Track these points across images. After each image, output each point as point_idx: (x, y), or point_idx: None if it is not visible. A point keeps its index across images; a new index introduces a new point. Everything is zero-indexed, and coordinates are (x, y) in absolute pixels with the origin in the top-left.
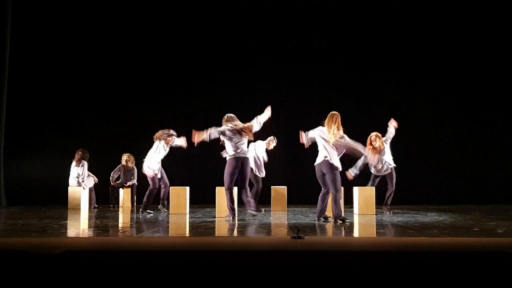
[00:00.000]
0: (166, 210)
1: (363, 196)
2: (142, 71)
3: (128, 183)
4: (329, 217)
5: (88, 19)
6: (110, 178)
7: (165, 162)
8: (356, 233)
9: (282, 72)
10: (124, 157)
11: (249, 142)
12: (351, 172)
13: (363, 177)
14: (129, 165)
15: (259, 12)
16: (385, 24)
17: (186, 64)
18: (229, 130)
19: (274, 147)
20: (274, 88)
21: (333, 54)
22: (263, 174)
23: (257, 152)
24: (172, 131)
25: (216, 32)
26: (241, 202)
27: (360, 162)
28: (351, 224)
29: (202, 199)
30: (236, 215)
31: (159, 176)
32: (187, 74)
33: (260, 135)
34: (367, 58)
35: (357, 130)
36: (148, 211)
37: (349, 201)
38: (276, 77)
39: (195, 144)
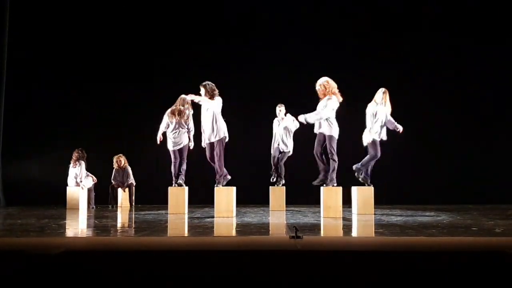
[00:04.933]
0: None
1: (361, 196)
2: (140, 71)
3: (126, 184)
4: None
5: (86, 18)
6: (113, 183)
7: (162, 162)
8: (355, 233)
9: (280, 66)
10: (114, 159)
11: None
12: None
13: None
14: (122, 165)
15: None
16: (386, 22)
17: (185, 64)
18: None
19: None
20: (272, 90)
21: (331, 46)
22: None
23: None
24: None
25: (212, 28)
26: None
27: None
28: (350, 223)
29: (201, 199)
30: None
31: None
32: (186, 74)
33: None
34: (367, 56)
35: (355, 130)
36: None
37: (347, 201)
38: (273, 72)
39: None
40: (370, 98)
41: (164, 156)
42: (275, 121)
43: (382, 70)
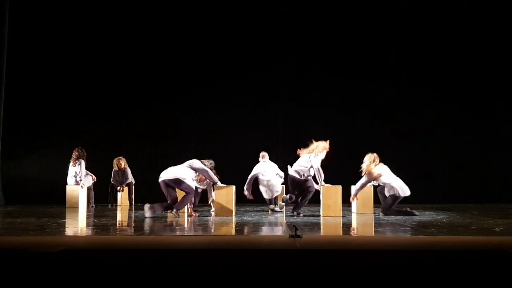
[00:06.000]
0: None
1: (361, 195)
2: (140, 70)
3: (125, 183)
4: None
5: (86, 18)
6: (112, 182)
7: (162, 161)
8: (354, 232)
9: (280, 72)
10: (115, 161)
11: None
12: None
13: None
14: (122, 167)
15: (257, 19)
16: (380, 24)
17: (185, 64)
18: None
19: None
20: (271, 89)
21: (329, 55)
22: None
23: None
24: None
25: (214, 37)
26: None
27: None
28: (350, 222)
29: (201, 199)
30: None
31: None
32: (186, 74)
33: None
34: (366, 57)
35: (359, 129)
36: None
37: (347, 200)
38: (274, 78)
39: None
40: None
41: (164, 156)
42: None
43: (379, 71)
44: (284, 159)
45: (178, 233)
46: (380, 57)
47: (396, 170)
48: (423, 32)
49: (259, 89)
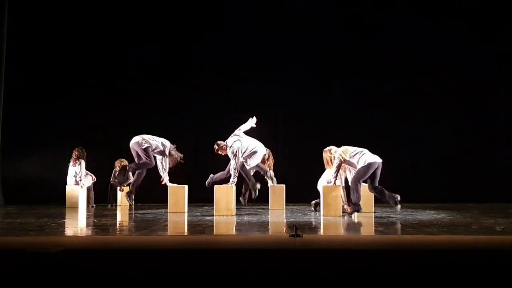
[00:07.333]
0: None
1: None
2: (141, 71)
3: (125, 183)
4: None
5: (86, 17)
6: (111, 182)
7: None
8: (354, 231)
9: (281, 68)
10: (116, 163)
11: None
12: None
13: None
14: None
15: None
16: (382, 26)
17: (185, 66)
18: None
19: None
20: (272, 84)
21: (331, 52)
22: None
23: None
24: None
25: (216, 32)
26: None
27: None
28: (350, 221)
29: (201, 198)
30: None
31: None
32: (186, 75)
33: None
34: (367, 55)
35: (359, 128)
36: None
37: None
38: (275, 73)
39: None
40: (369, 102)
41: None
42: None
43: (379, 69)
44: (283, 155)
45: (178, 233)
46: (379, 58)
47: (396, 169)
48: (422, 32)
49: (259, 90)
